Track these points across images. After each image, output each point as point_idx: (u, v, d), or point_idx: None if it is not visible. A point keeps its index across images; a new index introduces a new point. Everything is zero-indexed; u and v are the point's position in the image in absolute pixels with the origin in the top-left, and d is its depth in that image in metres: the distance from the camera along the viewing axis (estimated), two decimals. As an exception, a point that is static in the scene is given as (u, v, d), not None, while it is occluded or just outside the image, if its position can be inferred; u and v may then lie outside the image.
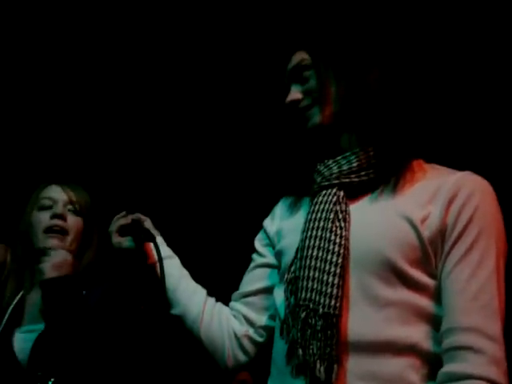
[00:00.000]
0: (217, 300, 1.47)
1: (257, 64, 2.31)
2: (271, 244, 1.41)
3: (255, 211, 1.59)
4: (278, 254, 1.35)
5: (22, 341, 1.59)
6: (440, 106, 2.14)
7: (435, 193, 1.16)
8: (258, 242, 1.46)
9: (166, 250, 1.46)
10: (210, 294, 1.47)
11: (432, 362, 1.11)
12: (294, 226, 1.31)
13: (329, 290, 1.13)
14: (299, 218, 1.32)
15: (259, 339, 1.39)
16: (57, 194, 1.72)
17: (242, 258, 1.52)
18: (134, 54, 2.59)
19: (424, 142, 1.30)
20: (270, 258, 1.41)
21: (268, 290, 1.39)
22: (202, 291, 1.45)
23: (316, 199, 1.25)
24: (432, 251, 1.13)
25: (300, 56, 1.32)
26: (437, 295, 1.14)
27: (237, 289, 1.47)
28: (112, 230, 1.47)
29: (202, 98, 2.66)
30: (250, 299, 1.42)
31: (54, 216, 1.67)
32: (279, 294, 1.28)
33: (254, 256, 1.46)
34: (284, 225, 1.37)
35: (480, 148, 2.19)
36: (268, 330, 1.38)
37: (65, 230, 1.67)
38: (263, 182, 2.38)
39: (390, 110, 1.26)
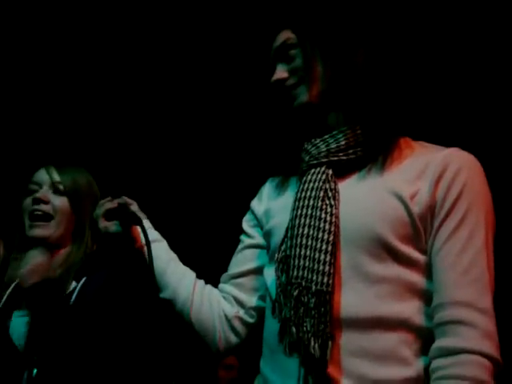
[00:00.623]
0: (206, 282, 1.46)
1: (242, 43, 2.28)
2: (259, 225, 1.41)
3: (242, 192, 1.58)
4: (267, 234, 1.34)
5: (18, 324, 1.56)
6: (426, 85, 2.14)
7: (424, 169, 1.17)
8: (246, 223, 1.46)
9: (153, 234, 1.44)
10: (198, 276, 1.46)
11: (424, 337, 1.12)
12: (282, 206, 1.31)
13: (321, 268, 1.13)
14: (287, 197, 1.31)
15: (250, 320, 1.39)
16: (41, 176, 1.70)
17: (230, 240, 1.52)
18: (125, 46, 2.55)
19: (411, 119, 1.30)
20: (259, 239, 1.41)
21: (257, 271, 1.39)
22: (191, 274, 1.44)
23: (305, 178, 1.25)
24: (422, 227, 1.14)
25: (285, 35, 1.31)
26: (428, 271, 1.14)
27: (225, 271, 1.46)
28: (98, 215, 1.45)
29: (186, 82, 2.63)
30: (239, 280, 1.41)
31: (34, 201, 1.64)
32: (269, 274, 1.28)
33: (243, 237, 1.46)
34: (272, 205, 1.37)
35: (466, 125, 2.20)
36: (258, 311, 1.38)
37: (48, 214, 1.64)
38: (250, 162, 2.36)
39: (377, 89, 1.26)
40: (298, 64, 1.28)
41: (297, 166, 1.31)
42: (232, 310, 1.40)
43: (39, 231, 1.62)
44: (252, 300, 1.39)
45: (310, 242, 1.16)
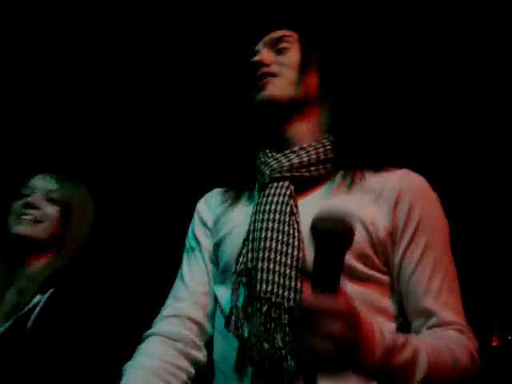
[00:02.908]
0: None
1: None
2: (211, 234, 1.32)
3: (188, 199, 1.51)
4: (217, 245, 1.27)
5: None
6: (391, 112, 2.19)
7: (380, 192, 1.17)
8: (199, 230, 1.33)
9: None
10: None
11: None
12: (234, 217, 1.26)
13: (293, 284, 1.10)
14: (240, 208, 1.27)
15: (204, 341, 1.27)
16: (37, 182, 1.68)
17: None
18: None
19: (377, 146, 1.30)
20: (211, 249, 1.30)
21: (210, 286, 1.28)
22: None
23: (268, 191, 1.21)
24: (380, 250, 1.14)
25: (286, 32, 1.28)
26: (389, 290, 1.15)
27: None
28: None
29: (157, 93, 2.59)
30: (200, 300, 1.26)
31: (25, 205, 1.62)
32: (221, 288, 1.22)
33: (194, 245, 1.33)
34: (221, 215, 1.30)
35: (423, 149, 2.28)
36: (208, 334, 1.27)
37: (36, 219, 1.61)
38: (197, 169, 2.35)
39: (349, 111, 1.25)
40: (288, 60, 1.25)
41: (248, 178, 1.27)
42: (199, 354, 1.23)
43: (23, 229, 1.60)
44: (208, 322, 1.26)
45: (278, 257, 1.12)
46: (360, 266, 1.12)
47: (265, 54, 1.25)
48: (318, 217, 0.82)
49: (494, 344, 2.52)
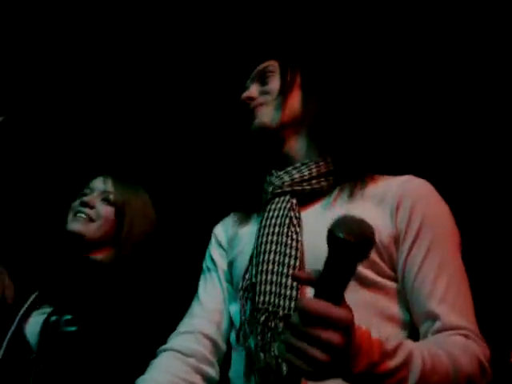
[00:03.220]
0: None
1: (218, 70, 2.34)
2: (225, 254, 1.36)
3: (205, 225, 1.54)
4: (230, 264, 1.32)
5: (34, 324, 1.57)
6: (389, 120, 2.19)
7: (382, 198, 1.18)
8: (215, 252, 1.38)
9: None
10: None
11: None
12: (244, 236, 1.30)
13: (288, 293, 1.11)
14: (250, 227, 1.31)
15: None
16: (96, 183, 1.76)
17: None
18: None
19: (374, 154, 1.32)
20: (225, 268, 1.34)
21: (225, 305, 1.31)
22: None
23: (269, 206, 1.25)
24: (386, 255, 1.13)
25: (268, 62, 1.36)
26: (398, 297, 1.13)
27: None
28: None
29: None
30: (214, 317, 1.30)
31: (81, 203, 1.70)
32: (233, 306, 1.25)
33: (211, 266, 1.38)
34: (235, 236, 1.34)
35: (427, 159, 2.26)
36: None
37: (90, 217, 1.68)
38: (211, 197, 2.34)
39: (347, 127, 1.28)
40: (271, 88, 1.32)
41: (259, 200, 1.31)
42: (211, 370, 1.26)
43: (77, 226, 1.67)
44: (222, 339, 1.29)
45: (276, 268, 1.14)
46: (369, 273, 1.12)
47: (251, 89, 1.34)
48: (338, 220, 0.79)
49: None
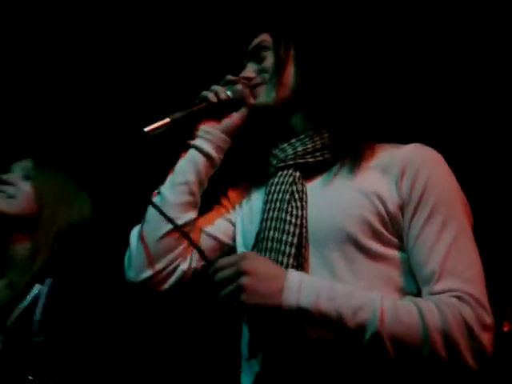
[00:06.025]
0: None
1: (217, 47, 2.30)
2: (233, 223, 1.37)
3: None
4: (241, 233, 1.34)
5: None
6: (389, 89, 2.18)
7: (387, 166, 1.18)
8: (226, 200, 1.41)
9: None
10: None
11: None
12: (251, 211, 1.33)
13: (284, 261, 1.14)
14: (256, 202, 1.33)
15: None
16: (17, 164, 1.76)
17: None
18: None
19: (375, 123, 1.31)
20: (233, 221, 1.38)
21: (229, 247, 1.36)
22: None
23: (272, 180, 1.26)
24: (391, 224, 1.14)
25: (262, 37, 1.34)
26: (404, 266, 1.14)
27: None
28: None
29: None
30: (214, 243, 1.35)
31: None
32: None
33: (225, 203, 1.40)
34: (243, 212, 1.36)
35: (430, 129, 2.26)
36: None
37: (10, 195, 1.66)
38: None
39: (344, 95, 1.27)
40: (267, 65, 1.30)
41: (266, 172, 1.32)
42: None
43: None
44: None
45: (274, 245, 1.17)
46: (374, 244, 1.13)
47: (247, 70, 1.33)
48: None
49: (505, 329, 2.51)
